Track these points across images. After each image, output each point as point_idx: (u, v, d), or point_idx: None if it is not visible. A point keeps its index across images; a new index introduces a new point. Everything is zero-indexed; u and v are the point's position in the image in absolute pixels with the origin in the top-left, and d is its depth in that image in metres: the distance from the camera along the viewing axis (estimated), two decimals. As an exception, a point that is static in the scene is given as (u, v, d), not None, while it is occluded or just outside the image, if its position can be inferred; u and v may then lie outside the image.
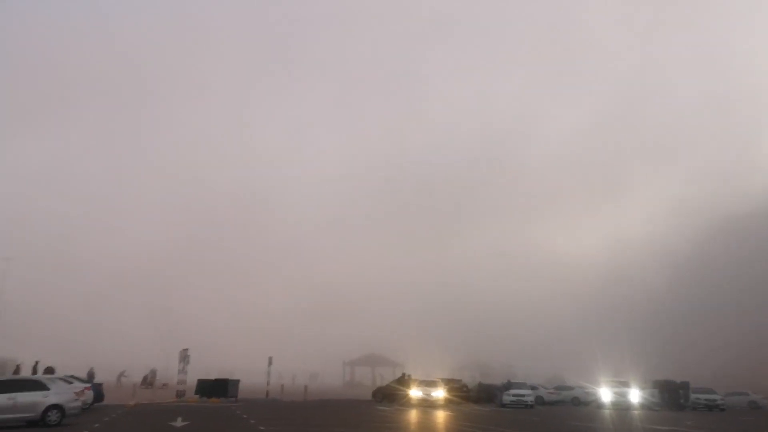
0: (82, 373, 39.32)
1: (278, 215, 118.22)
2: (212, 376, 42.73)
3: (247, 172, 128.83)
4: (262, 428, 20.81)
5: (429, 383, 39.12)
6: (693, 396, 42.95)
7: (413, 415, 28.87)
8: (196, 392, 39.86)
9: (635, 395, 40.18)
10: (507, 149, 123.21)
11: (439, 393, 37.98)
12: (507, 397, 39.39)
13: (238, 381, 41.64)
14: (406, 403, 37.80)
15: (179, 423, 22.11)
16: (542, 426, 25.06)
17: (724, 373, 53.12)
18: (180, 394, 40.13)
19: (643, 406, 39.67)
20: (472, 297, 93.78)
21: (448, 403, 38.18)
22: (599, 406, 41.87)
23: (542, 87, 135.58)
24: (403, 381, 41.80)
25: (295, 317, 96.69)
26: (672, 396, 41.95)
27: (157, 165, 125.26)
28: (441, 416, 28.21)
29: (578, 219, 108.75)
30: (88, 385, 29.46)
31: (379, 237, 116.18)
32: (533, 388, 43.40)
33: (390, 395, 41.73)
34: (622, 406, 39.04)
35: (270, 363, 45.43)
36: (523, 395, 39.47)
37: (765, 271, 64.01)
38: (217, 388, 39.78)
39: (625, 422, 27.40)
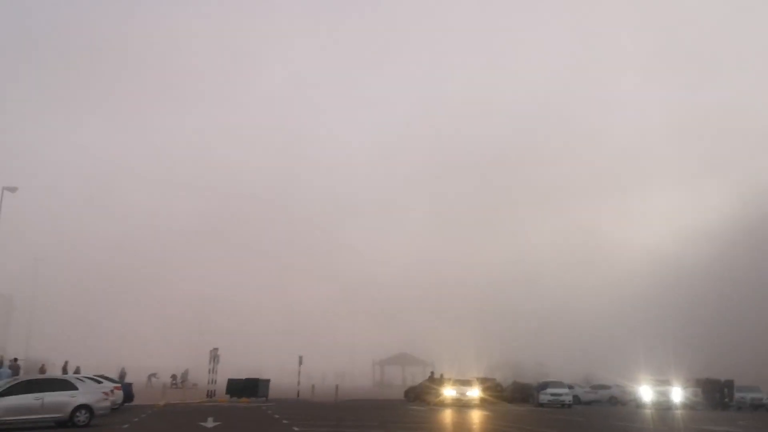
0: (115, 374, 39.20)
1: (310, 206, 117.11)
2: (242, 376, 42.18)
3: (284, 158, 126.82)
4: (296, 429, 20.06)
5: (463, 382, 38.09)
6: (737, 395, 41.35)
7: (450, 415, 27.95)
8: (227, 392, 39.41)
9: (677, 394, 38.77)
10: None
11: (474, 392, 36.95)
12: (544, 397, 38.25)
13: (268, 381, 41.10)
14: (440, 402, 36.87)
15: (210, 424, 21.47)
16: (589, 427, 23.97)
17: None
18: (210, 393, 39.72)
19: (686, 406, 38.28)
20: (503, 294, 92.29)
21: (482, 403, 37.19)
22: (639, 405, 40.51)
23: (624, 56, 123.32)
24: (436, 380, 40.88)
25: (324, 316, 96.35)
26: (715, 395, 40.41)
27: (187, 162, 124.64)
28: (479, 416, 27.24)
29: (628, 206, 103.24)
30: (118, 384, 29.01)
31: (409, 232, 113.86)
32: (569, 387, 42.14)
33: (423, 395, 40.87)
34: (663, 406, 37.65)
35: (300, 362, 44.85)
36: (560, 394, 38.30)
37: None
38: (248, 388, 39.26)
39: (674, 423, 26.18)
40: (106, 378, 29.19)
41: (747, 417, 31.60)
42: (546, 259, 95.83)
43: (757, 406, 40.95)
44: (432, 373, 42.02)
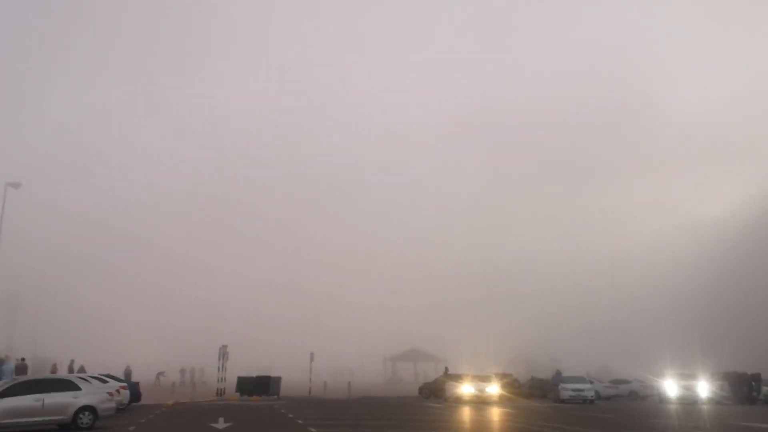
0: (120, 373, 38.07)
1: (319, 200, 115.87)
2: (252, 374, 41.02)
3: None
4: (312, 430, 18.80)
5: (482, 378, 36.81)
6: (765, 388, 39.86)
7: (472, 412, 26.66)
8: (237, 390, 38.29)
9: (703, 388, 37.35)
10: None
11: (494, 389, 35.66)
12: (566, 392, 36.85)
13: (279, 378, 39.93)
14: (457, 399, 35.60)
15: (221, 424, 20.23)
16: (623, 425, 22.61)
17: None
18: (220, 392, 38.60)
19: (712, 400, 36.87)
20: (516, 287, 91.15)
21: (502, 400, 35.92)
22: (662, 400, 39.18)
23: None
24: (453, 376, 39.62)
25: (334, 312, 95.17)
26: (743, 389, 38.90)
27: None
28: (503, 414, 25.93)
29: (652, 197, 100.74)
30: (124, 384, 27.83)
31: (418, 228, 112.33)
32: (590, 382, 40.75)
33: (439, 391, 39.65)
34: (688, 401, 36.28)
35: (312, 359, 43.70)
36: (582, 389, 36.90)
37: None
38: (259, 386, 38.14)
39: (711, 419, 24.80)
40: (112, 377, 28.06)
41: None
42: (562, 251, 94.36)
43: (785, 400, 39.61)
44: (447, 368, 40.69)
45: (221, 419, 21.69)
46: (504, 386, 38.00)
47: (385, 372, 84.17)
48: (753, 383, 39.28)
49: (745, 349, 50.89)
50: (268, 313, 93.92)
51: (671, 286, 70.41)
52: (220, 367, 39.90)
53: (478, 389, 35.72)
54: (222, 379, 39.23)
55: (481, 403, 33.72)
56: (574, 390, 36.96)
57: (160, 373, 59.97)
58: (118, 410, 23.23)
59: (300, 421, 21.46)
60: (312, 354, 43.89)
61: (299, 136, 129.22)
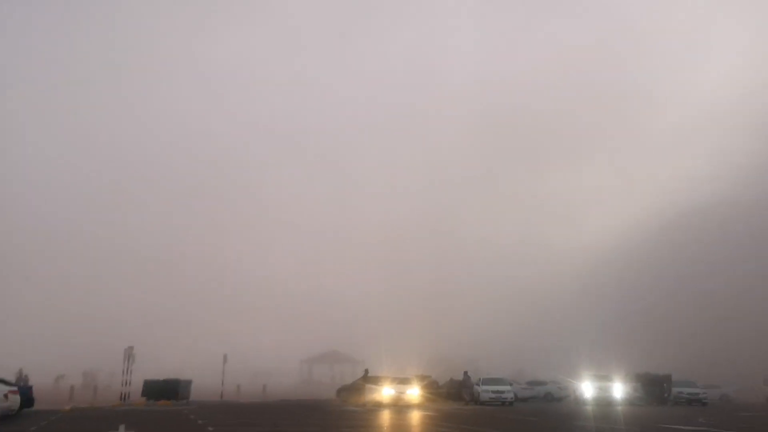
0: (12, 376, 35.07)
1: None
2: (161, 377, 38.74)
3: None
4: (223, 437, 17.28)
5: (402, 380, 35.95)
6: (675, 389, 40.87)
7: (392, 416, 25.64)
8: (143, 394, 36.08)
9: (618, 390, 37.91)
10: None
11: (414, 391, 34.85)
12: (485, 394, 36.58)
13: (190, 381, 37.93)
14: (377, 402, 34.57)
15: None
16: (548, 428, 22.10)
17: (701, 366, 51.45)
18: (124, 396, 36.23)
19: (626, 401, 37.44)
20: (432, 289, 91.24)
21: (423, 402, 35.19)
22: (578, 401, 39.55)
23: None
24: (372, 378, 38.58)
25: (248, 313, 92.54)
26: (655, 390, 39.77)
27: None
28: (424, 418, 25.04)
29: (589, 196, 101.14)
30: (14, 388, 25.28)
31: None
32: (510, 384, 40.63)
33: (357, 394, 38.53)
34: (604, 402, 36.69)
35: (225, 361, 41.80)
36: (502, 391, 36.72)
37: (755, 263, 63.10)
38: (167, 390, 36.02)
39: (627, 420, 24.71)
40: (2, 381, 25.50)
41: (696, 413, 30.69)
42: (479, 253, 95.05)
43: (692, 401, 40.67)
44: (366, 371, 39.61)
45: (122, 426, 19.81)
46: (423, 388, 37.36)
47: (301, 374, 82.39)
48: (665, 384, 40.24)
49: (656, 350, 52.33)
50: (180, 313, 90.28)
51: (588, 287, 72.03)
52: (125, 369, 37.62)
53: (398, 392, 34.83)
54: (127, 382, 36.97)
55: (401, 406, 32.86)
56: (494, 392, 36.72)
57: (60, 377, 56.38)
58: (6, 417, 21.09)
59: (210, 428, 19.83)
60: (225, 356, 42.03)
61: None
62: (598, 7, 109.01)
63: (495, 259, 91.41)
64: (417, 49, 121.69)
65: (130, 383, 36.97)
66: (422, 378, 39.75)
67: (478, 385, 38.51)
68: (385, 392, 34.78)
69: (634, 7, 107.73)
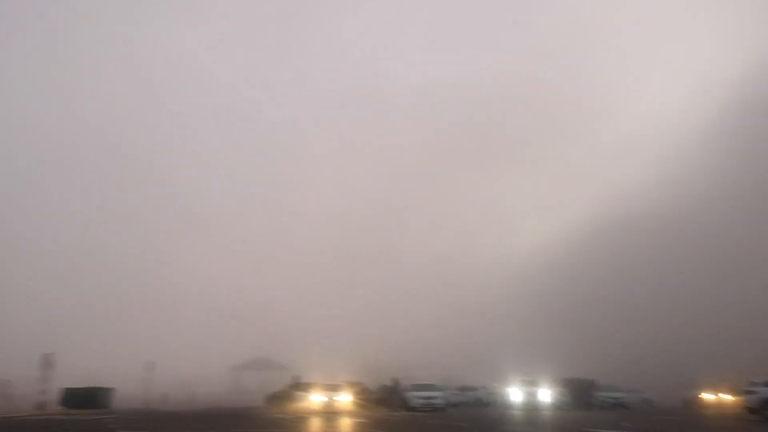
0: None
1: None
2: (82, 385, 37.23)
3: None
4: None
5: (333, 387, 35.65)
6: (599, 394, 41.97)
7: (324, 424, 25.24)
8: (62, 403, 34.58)
9: (545, 394, 38.59)
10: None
11: (345, 398, 34.61)
12: (416, 401, 36.62)
13: (112, 389, 36.55)
14: (307, 409, 34.13)
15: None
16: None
17: (623, 370, 53.04)
18: (41, 405, 34.59)
19: (553, 406, 38.12)
20: (363, 296, 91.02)
21: (353, 409, 34.94)
22: (506, 406, 40.01)
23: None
24: (302, 385, 38.15)
25: (176, 319, 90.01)
26: (581, 394, 40.71)
27: None
28: (355, 425, 24.75)
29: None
30: None
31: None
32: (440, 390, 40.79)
33: (287, 401, 38.04)
34: (531, 406, 37.27)
35: (151, 369, 40.49)
36: (433, 397, 36.86)
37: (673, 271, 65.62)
38: (87, 398, 34.73)
39: (557, 425, 25.08)
40: None
41: (627, 417, 31.49)
42: (410, 259, 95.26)
43: (616, 405, 41.85)
44: (297, 377, 39.11)
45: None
46: (355, 395, 37.15)
47: (230, 382, 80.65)
48: (590, 389, 41.28)
49: (582, 356, 53.61)
50: (104, 318, 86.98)
51: (517, 294, 73.24)
52: (43, 377, 35.99)
53: (328, 399, 34.52)
54: (44, 391, 35.34)
55: (331, 413, 32.52)
56: (424, 398, 36.80)
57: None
58: None
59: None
60: (151, 363, 40.77)
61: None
62: (550, 14, 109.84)
63: (425, 265, 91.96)
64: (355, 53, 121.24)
65: (48, 392, 35.33)
66: (354, 385, 39.52)
67: (408, 391, 38.53)
68: (315, 399, 34.44)
69: (585, 14, 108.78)
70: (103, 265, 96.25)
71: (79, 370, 54.16)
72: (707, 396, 44.07)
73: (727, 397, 43.22)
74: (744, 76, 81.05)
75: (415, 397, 36.95)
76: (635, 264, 68.52)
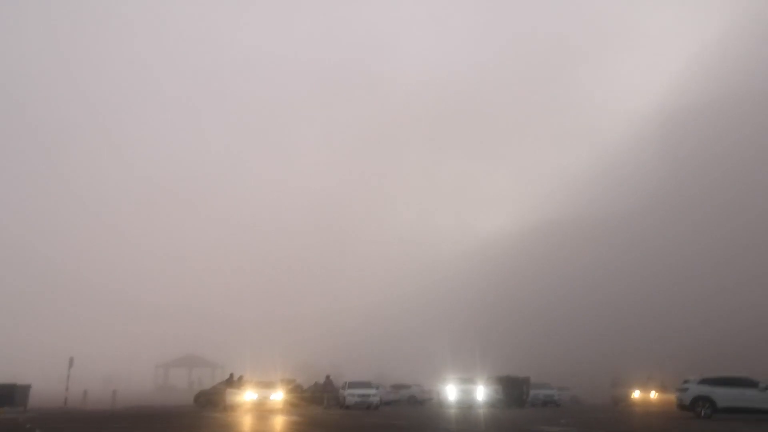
0: None
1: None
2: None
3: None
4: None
5: (266, 384, 34.56)
6: (532, 392, 42.24)
7: (257, 422, 24.25)
8: (-28, 402, 32.25)
9: (480, 392, 38.48)
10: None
11: (279, 395, 33.58)
12: (351, 398, 35.89)
13: (28, 387, 34.34)
14: (239, 407, 32.94)
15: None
16: None
17: (551, 367, 53.79)
18: (-52, 404, 32.22)
19: (488, 404, 38.05)
20: (295, 292, 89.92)
21: (287, 407, 33.97)
22: (441, 404, 39.75)
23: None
24: (233, 383, 36.84)
25: (98, 314, 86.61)
26: (515, 392, 40.82)
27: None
28: (289, 423, 23.87)
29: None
30: None
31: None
32: (376, 387, 40.18)
33: (216, 399, 36.68)
34: (466, 404, 37.10)
35: (71, 365, 38.42)
36: (368, 395, 36.20)
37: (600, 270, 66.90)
38: (1, 396, 32.44)
39: (495, 423, 24.87)
40: None
41: (561, 414, 31.65)
42: (346, 254, 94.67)
43: (547, 402, 42.26)
44: (232, 375, 37.78)
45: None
46: (288, 393, 36.19)
47: (156, 379, 78.05)
48: (524, 387, 41.46)
49: (514, 353, 54.05)
50: (20, 311, 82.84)
51: (451, 292, 73.52)
52: (-48, 374, 33.60)
53: (261, 396, 33.43)
54: (-46, 388, 32.94)
55: (264, 410, 31.49)
56: (359, 396, 36.12)
57: None
58: None
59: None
60: (71, 359, 38.68)
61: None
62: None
63: (361, 261, 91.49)
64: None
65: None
66: (287, 382, 38.52)
67: (343, 388, 37.81)
68: (248, 397, 33.30)
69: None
70: (22, 259, 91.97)
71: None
72: (635, 393, 44.95)
73: (655, 395, 44.21)
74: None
75: (350, 394, 36.23)
76: (569, 262, 69.80)
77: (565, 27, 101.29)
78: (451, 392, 38.53)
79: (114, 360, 79.97)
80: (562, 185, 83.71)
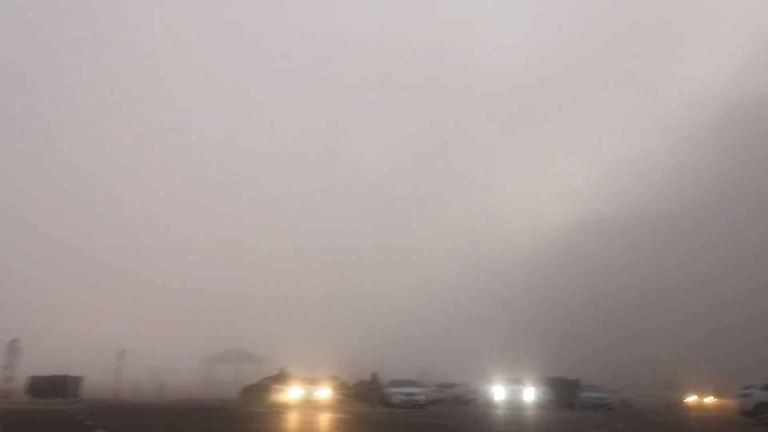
0: None
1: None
2: (48, 373, 35.70)
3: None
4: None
5: (312, 381, 34.52)
6: (582, 394, 41.32)
7: (304, 419, 24.07)
8: (27, 392, 33.12)
9: (529, 394, 37.83)
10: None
11: (325, 392, 33.51)
12: (397, 396, 35.54)
13: (80, 378, 35.07)
14: (284, 403, 32.94)
15: (-6, 434, 16.07)
16: None
17: (602, 370, 52.48)
18: (5, 393, 33.09)
19: (536, 405, 37.37)
20: (339, 288, 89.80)
21: (333, 404, 33.83)
22: (488, 404, 39.20)
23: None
24: (280, 378, 36.98)
25: (146, 307, 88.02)
26: (564, 394, 40.00)
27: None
28: (337, 421, 23.63)
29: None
30: None
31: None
32: (422, 386, 39.75)
33: (263, 394, 36.82)
34: (514, 405, 36.47)
35: (121, 357, 39.09)
36: (414, 394, 35.84)
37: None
38: (54, 387, 33.32)
39: (552, 426, 24.20)
40: None
41: (615, 418, 30.76)
42: (388, 251, 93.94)
43: (598, 406, 41.25)
44: (281, 370, 37.78)
45: (-5, 428, 17.38)
46: (334, 390, 36.10)
47: (202, 373, 79.08)
48: (573, 389, 40.63)
49: (563, 355, 52.99)
50: (72, 304, 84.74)
51: (499, 290, 72.43)
52: (8, 364, 34.50)
53: (307, 392, 33.40)
54: (9, 378, 33.87)
55: (311, 407, 31.38)
56: (405, 394, 35.77)
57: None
58: None
59: (100, 431, 17.68)
60: (122, 351, 39.37)
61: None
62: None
63: (404, 258, 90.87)
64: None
65: (13, 379, 33.85)
66: (332, 379, 38.42)
67: (389, 386, 37.51)
68: (294, 393, 33.32)
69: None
70: (73, 251, 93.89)
71: (46, 358, 52.55)
72: (690, 398, 43.60)
73: (711, 400, 42.80)
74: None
75: (396, 392, 35.89)
76: (622, 264, 67.96)
77: (647, 15, 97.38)
78: (498, 393, 38.03)
79: (162, 353, 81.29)
80: (635, 179, 79.41)
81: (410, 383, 37.49)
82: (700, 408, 42.17)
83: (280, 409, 30.37)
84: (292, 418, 24.10)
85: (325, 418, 24.33)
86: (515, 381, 38.87)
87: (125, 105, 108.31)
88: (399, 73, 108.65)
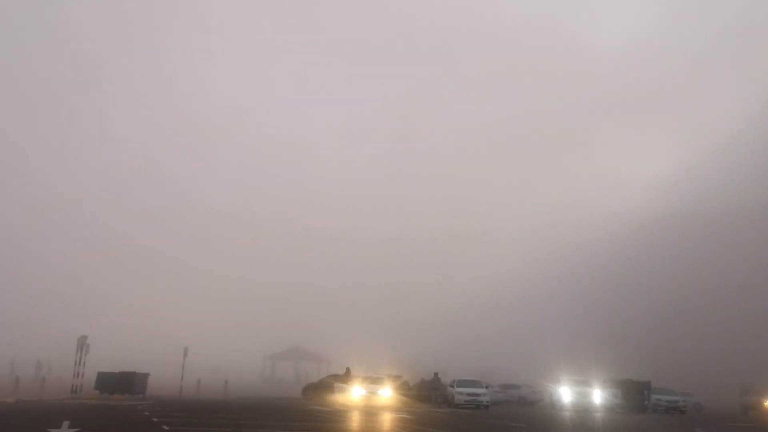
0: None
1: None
2: (117, 369, 36.28)
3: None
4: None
5: (374, 380, 34.13)
6: (653, 397, 39.66)
7: (369, 418, 23.68)
8: (96, 387, 33.66)
9: (598, 396, 36.55)
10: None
11: (387, 392, 33.05)
12: (461, 397, 34.79)
13: (147, 375, 35.53)
14: (346, 402, 32.63)
15: (65, 430, 16.14)
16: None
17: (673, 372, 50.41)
18: (75, 389, 33.80)
19: (606, 407, 36.07)
20: (400, 287, 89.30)
21: (395, 404, 33.34)
22: (554, 406, 38.04)
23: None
24: (340, 377, 36.70)
25: (210, 305, 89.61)
26: (635, 396, 38.48)
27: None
28: (403, 421, 23.12)
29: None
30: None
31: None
32: (486, 386, 38.83)
33: (325, 393, 36.57)
34: (582, 407, 35.28)
35: (185, 355, 39.55)
36: (478, 394, 34.99)
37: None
38: (122, 383, 33.71)
39: (614, 427, 23.14)
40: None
41: (694, 422, 29.36)
42: (448, 251, 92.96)
43: (670, 409, 39.52)
44: (348, 369, 37.40)
45: (66, 423, 17.50)
46: (396, 389, 35.61)
47: (264, 371, 79.84)
48: (645, 391, 39.02)
49: (632, 356, 51.18)
50: (138, 302, 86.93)
51: (565, 290, 70.64)
52: (78, 360, 35.20)
53: (369, 392, 33.02)
54: (79, 374, 34.56)
55: (373, 406, 30.97)
56: (469, 394, 34.99)
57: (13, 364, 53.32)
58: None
59: (166, 427, 17.64)
60: (186, 349, 39.84)
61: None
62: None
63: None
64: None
65: (82, 375, 34.56)
66: (394, 378, 37.90)
67: (451, 386, 36.76)
68: (356, 392, 32.97)
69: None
70: (139, 250, 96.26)
71: (114, 354, 53.85)
72: (768, 402, 41.24)
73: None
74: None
75: (459, 393, 35.14)
76: (693, 263, 65.09)
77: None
78: (565, 394, 36.84)
79: (224, 351, 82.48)
80: (730, 173, 74.91)
81: (474, 383, 36.62)
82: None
83: (343, 408, 30.08)
84: (355, 418, 23.72)
85: (388, 418, 23.86)
86: (583, 382, 37.63)
87: (194, 104, 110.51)
88: (480, 57, 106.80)
